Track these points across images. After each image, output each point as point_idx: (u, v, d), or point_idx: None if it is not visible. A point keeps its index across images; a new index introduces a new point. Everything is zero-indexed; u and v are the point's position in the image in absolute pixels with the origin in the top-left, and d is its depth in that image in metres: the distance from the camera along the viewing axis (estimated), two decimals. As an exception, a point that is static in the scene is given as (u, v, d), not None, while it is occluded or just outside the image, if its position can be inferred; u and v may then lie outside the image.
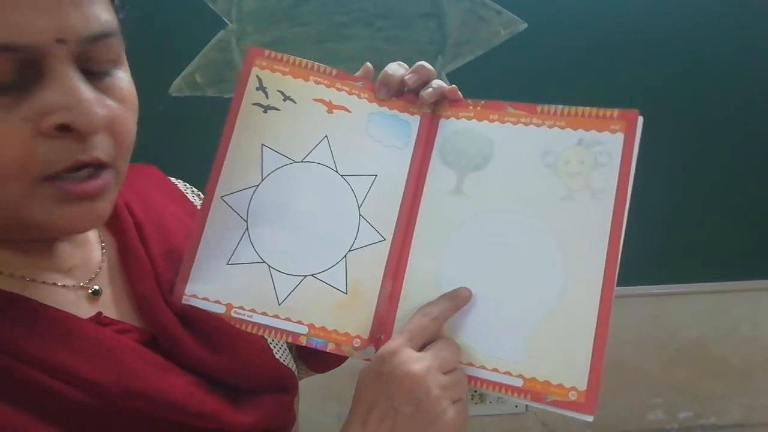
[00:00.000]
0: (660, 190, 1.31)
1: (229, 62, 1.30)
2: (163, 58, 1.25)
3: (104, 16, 0.50)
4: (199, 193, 0.75)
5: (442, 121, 0.65)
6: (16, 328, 0.51)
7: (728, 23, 1.36)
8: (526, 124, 0.62)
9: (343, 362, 0.74)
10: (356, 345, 0.62)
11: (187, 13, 1.28)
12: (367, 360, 0.61)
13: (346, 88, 0.65)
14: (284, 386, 0.65)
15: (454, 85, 0.65)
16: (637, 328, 1.53)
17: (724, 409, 1.60)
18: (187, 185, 0.75)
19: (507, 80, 1.33)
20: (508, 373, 0.59)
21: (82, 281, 0.58)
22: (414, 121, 0.66)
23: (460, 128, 0.64)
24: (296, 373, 0.69)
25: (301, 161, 0.65)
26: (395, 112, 0.66)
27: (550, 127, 0.62)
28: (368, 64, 0.66)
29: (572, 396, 0.57)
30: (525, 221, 0.61)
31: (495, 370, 0.59)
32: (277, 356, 0.66)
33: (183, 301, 0.62)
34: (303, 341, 0.62)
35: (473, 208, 0.62)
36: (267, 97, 0.65)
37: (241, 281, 0.63)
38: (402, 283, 0.63)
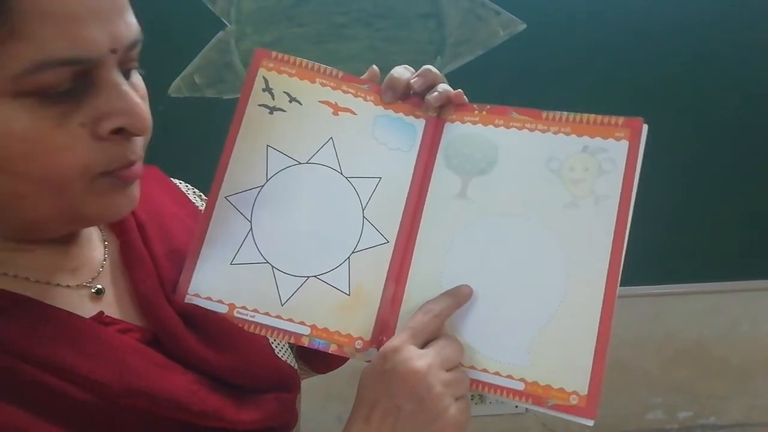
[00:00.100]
0: (660, 189, 1.30)
1: (229, 63, 1.30)
2: (162, 58, 1.25)
3: (135, 22, 0.52)
4: (200, 194, 0.75)
5: (447, 125, 0.65)
6: (18, 328, 0.51)
7: (728, 23, 1.36)
8: (531, 130, 0.62)
9: (344, 363, 0.74)
10: (358, 346, 0.62)
11: (187, 13, 1.28)
12: (369, 362, 0.61)
13: (352, 91, 0.65)
14: (286, 385, 0.65)
15: (459, 90, 0.65)
16: (637, 328, 1.54)
17: (723, 408, 1.60)
18: (189, 186, 0.75)
19: (506, 80, 1.33)
20: (509, 376, 0.59)
21: (84, 281, 0.58)
22: (419, 125, 0.66)
23: (465, 132, 0.64)
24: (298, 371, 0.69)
25: (306, 163, 0.65)
26: (401, 115, 0.66)
27: (555, 133, 0.62)
28: (374, 67, 0.66)
29: (573, 400, 0.57)
30: (529, 226, 0.61)
31: (497, 373, 0.59)
32: (279, 355, 0.66)
33: (186, 300, 0.62)
34: (305, 342, 0.62)
35: (477, 212, 0.62)
36: (273, 99, 0.65)
37: (245, 281, 0.63)
38: (405, 286, 0.63)
